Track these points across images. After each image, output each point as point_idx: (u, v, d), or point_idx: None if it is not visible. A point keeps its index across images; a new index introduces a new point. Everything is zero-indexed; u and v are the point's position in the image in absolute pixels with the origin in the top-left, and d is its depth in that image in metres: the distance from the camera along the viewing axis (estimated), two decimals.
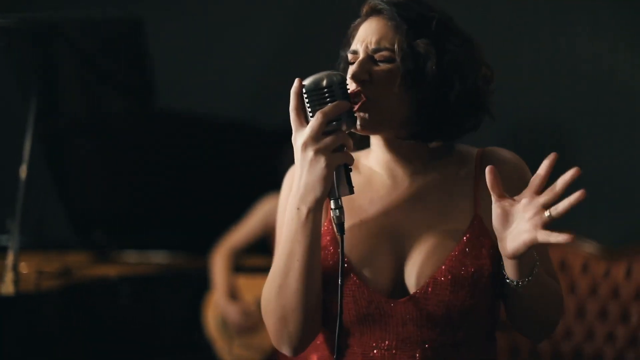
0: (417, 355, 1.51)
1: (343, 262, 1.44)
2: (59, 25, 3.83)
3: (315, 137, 1.39)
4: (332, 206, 1.44)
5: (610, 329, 3.55)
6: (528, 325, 1.58)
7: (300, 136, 1.41)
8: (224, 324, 3.66)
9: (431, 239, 1.52)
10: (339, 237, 1.45)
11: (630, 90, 3.83)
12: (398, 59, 1.50)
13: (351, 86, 1.50)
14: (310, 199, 1.42)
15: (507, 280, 1.46)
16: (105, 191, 4.46)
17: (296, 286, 1.47)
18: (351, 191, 1.44)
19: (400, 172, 1.59)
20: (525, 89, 3.97)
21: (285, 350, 1.55)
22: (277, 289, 1.49)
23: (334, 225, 1.45)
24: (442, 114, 1.52)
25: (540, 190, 1.37)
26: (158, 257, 4.16)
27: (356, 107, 1.49)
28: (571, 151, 3.95)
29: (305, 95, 1.43)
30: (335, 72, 1.46)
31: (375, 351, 1.53)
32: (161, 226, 4.46)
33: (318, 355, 1.67)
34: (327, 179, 1.40)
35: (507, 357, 3.69)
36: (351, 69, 1.53)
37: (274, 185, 3.74)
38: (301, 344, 1.53)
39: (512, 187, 1.47)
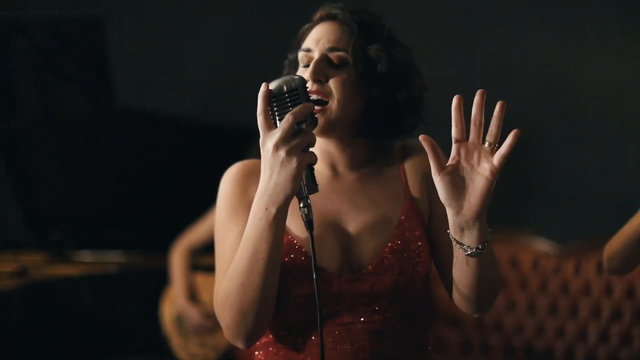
0: (368, 328, 1.62)
1: (315, 259, 1.50)
2: (18, 24, 3.82)
3: (286, 139, 1.44)
4: (301, 205, 1.50)
5: (560, 324, 3.64)
6: (475, 298, 1.61)
7: (270, 138, 1.46)
8: (180, 321, 3.67)
9: (373, 222, 1.65)
10: (308, 234, 1.50)
11: (580, 89, 3.89)
12: (352, 63, 1.61)
13: (308, 87, 1.56)
14: (281, 198, 1.47)
15: (468, 252, 1.51)
16: (62, 191, 4.44)
17: (259, 282, 1.52)
18: (316, 189, 1.51)
19: (340, 165, 1.71)
20: (476, 91, 4.03)
21: (240, 343, 1.59)
22: (239, 286, 1.53)
23: (303, 223, 1.51)
24: (389, 114, 1.65)
25: (466, 136, 1.48)
26: (114, 257, 4.16)
27: (318, 109, 1.59)
28: (521, 151, 4.01)
29: (273, 100, 1.48)
30: (296, 76, 1.51)
31: (326, 326, 1.62)
32: (118, 225, 4.46)
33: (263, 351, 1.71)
34: (298, 178, 1.46)
35: (459, 352, 3.76)
36: (308, 70, 1.62)
37: None
38: (257, 336, 1.58)
39: (427, 172, 1.56)
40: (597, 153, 3.89)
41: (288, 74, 1.71)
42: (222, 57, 4.66)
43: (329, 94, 1.60)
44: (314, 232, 1.54)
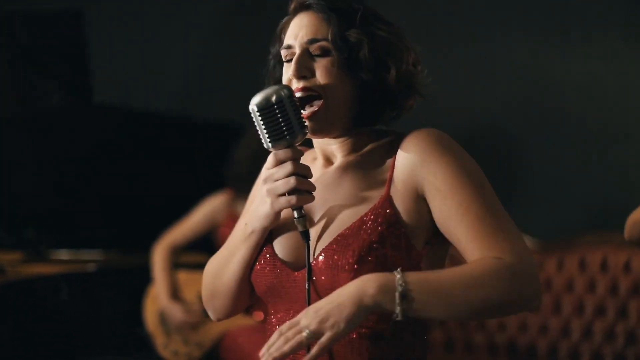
0: None
1: (310, 267, 1.52)
2: None
3: (271, 178, 1.53)
4: (296, 215, 1.52)
5: (543, 321, 3.65)
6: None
7: (265, 168, 1.55)
8: (163, 319, 3.65)
9: (334, 215, 1.56)
10: (304, 243, 1.53)
11: (562, 90, 3.94)
12: (334, 50, 1.56)
13: (294, 85, 1.56)
14: (257, 224, 1.57)
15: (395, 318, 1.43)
16: (37, 188, 4.40)
17: (228, 279, 1.64)
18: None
19: (334, 155, 1.64)
20: (462, 91, 4.05)
21: (210, 315, 1.73)
22: (213, 275, 1.67)
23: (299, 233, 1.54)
24: (384, 96, 1.59)
25: None
26: (92, 255, 4.12)
27: (307, 113, 1.55)
28: (504, 150, 4.06)
29: (258, 114, 1.50)
30: (282, 86, 1.53)
31: (286, 320, 1.53)
32: (95, 224, 4.43)
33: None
34: (273, 217, 1.55)
35: (441, 351, 3.77)
36: (291, 68, 1.58)
37: (211, 180, 3.79)
38: (224, 315, 1.71)
39: (418, 164, 1.52)
40: (578, 152, 3.94)
41: (273, 68, 1.68)
42: (201, 52, 4.66)
43: (317, 86, 1.56)
44: (283, 222, 1.59)
